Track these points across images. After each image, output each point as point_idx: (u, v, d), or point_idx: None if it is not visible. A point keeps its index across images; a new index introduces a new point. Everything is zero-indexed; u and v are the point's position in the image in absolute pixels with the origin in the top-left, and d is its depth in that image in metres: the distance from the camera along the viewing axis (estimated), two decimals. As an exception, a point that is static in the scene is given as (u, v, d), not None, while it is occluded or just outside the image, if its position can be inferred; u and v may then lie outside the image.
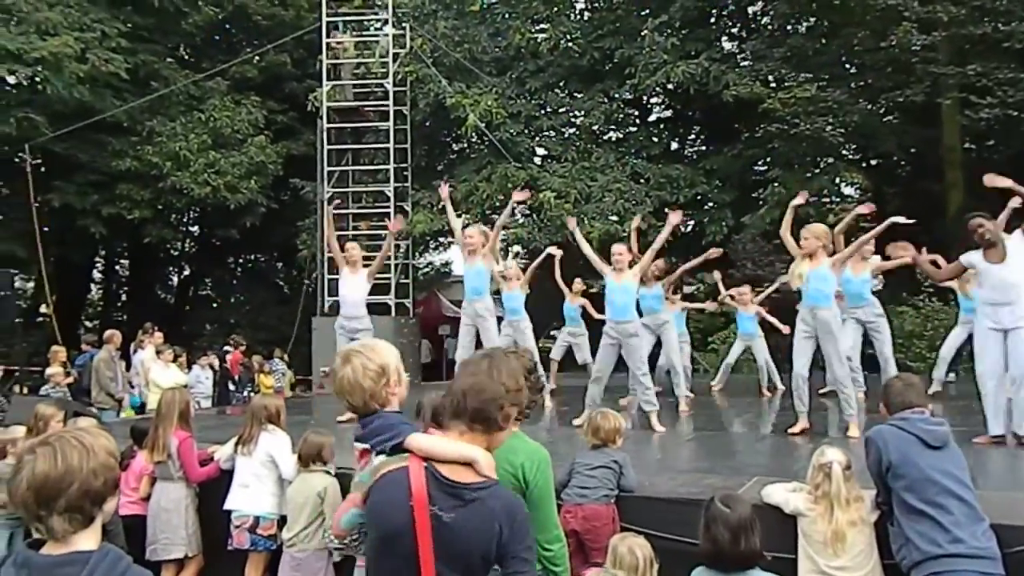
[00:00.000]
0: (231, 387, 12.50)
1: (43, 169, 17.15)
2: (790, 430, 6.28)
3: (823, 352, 6.26)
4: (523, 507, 2.00)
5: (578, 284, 9.92)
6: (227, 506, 4.69)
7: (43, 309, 18.82)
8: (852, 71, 16.02)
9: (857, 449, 3.64)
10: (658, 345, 8.57)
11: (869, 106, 14.77)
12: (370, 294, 8.00)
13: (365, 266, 7.87)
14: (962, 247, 5.71)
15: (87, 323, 22.45)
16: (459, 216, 17.51)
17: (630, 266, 6.91)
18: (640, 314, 7.88)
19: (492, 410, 2.00)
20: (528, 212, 16.27)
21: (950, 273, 6.11)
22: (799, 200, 6.57)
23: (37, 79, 14.22)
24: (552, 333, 10.67)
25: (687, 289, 18.83)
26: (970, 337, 8.20)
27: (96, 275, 23.73)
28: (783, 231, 6.42)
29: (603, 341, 6.93)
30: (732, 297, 9.80)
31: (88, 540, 1.71)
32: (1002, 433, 5.51)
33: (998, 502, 3.50)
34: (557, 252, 9.05)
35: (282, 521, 4.58)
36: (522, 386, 2.07)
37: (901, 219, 6.56)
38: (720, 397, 9.67)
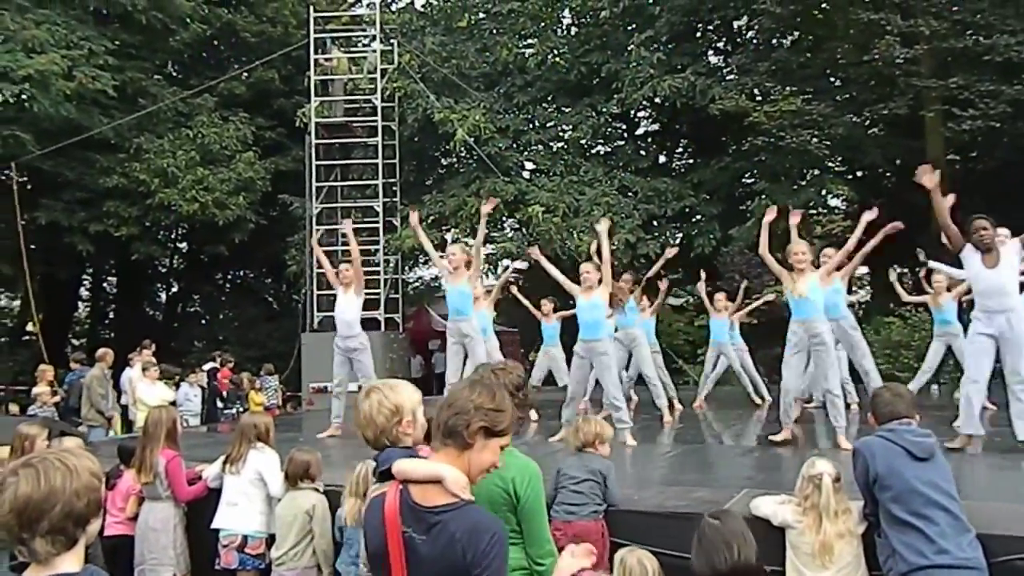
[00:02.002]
0: (220, 404, 12.42)
1: (29, 187, 17.06)
2: (772, 437, 6.37)
3: (815, 364, 6.30)
4: (492, 528, 1.96)
5: (547, 304, 9.87)
6: (215, 525, 4.66)
7: (29, 328, 18.68)
8: (836, 84, 16.19)
9: (847, 460, 3.65)
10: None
11: (854, 119, 14.92)
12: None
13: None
14: (946, 259, 5.76)
15: (74, 341, 22.29)
16: (448, 231, 17.65)
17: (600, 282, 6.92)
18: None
19: (459, 424, 2.01)
20: (517, 226, 16.32)
21: (954, 236, 5.66)
22: (770, 217, 6.61)
23: (24, 97, 14.17)
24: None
25: (677, 301, 18.95)
26: (949, 349, 8.31)
27: (83, 293, 23.57)
28: (762, 250, 6.46)
29: (574, 361, 7.03)
30: (710, 301, 9.84)
31: (71, 562, 1.70)
32: (972, 433, 5.59)
33: (983, 512, 3.52)
34: (521, 264, 8.92)
35: (271, 540, 4.55)
36: (499, 405, 2.07)
37: (892, 228, 6.81)
38: (707, 409, 9.68)
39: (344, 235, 8.82)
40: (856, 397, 8.24)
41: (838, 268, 7.06)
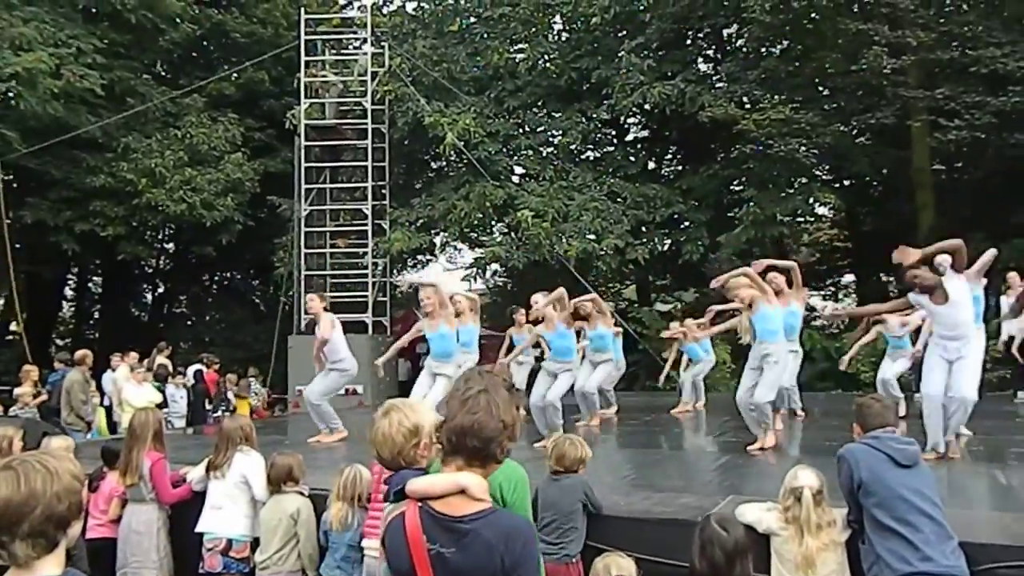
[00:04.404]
0: (208, 406, 12.34)
1: (15, 185, 16.93)
2: (749, 448, 6.47)
3: (762, 374, 6.46)
4: (523, 529, 1.96)
5: (520, 316, 9.79)
6: (199, 528, 4.63)
7: (13, 327, 18.51)
8: (825, 93, 16.29)
9: (829, 471, 3.67)
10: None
11: (841, 128, 15.02)
12: (348, 311, 7.96)
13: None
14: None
15: (58, 341, 22.11)
16: (437, 235, 17.61)
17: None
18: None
19: (492, 448, 1.99)
20: (506, 231, 16.33)
21: (894, 306, 6.48)
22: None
23: (11, 95, 14.06)
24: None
25: (664, 307, 19.00)
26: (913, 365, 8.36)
27: (68, 292, 23.38)
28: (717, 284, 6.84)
29: (540, 375, 7.34)
30: (684, 335, 9.92)
31: (52, 566, 1.68)
32: (944, 452, 5.69)
33: (966, 520, 3.55)
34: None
35: (255, 543, 4.52)
36: (516, 418, 2.05)
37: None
38: (693, 416, 9.72)
39: (344, 236, 8.70)
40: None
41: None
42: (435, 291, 7.35)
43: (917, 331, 8.10)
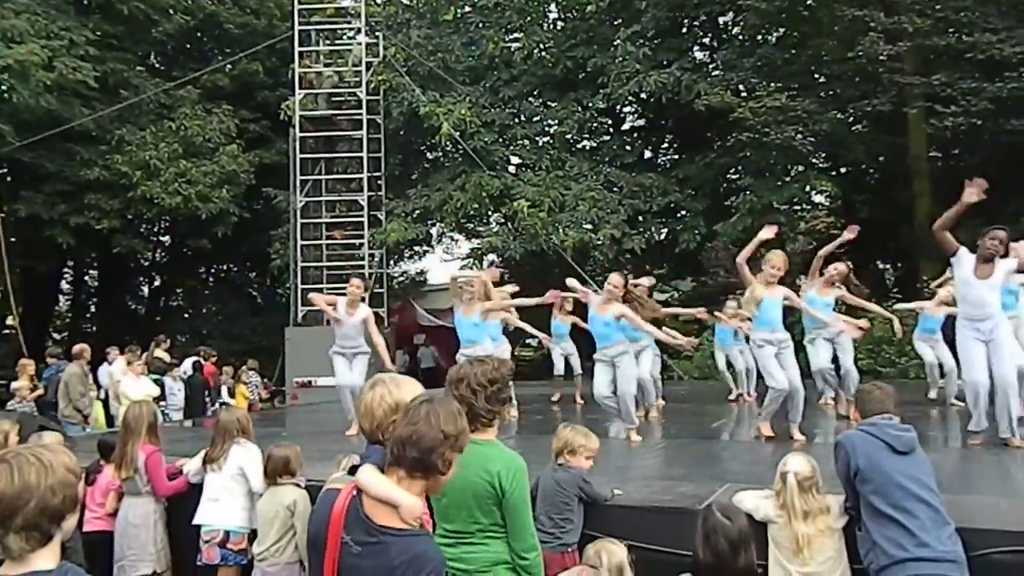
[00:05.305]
0: (207, 399, 12.33)
1: (9, 179, 16.86)
2: (755, 434, 6.48)
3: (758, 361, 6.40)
4: (434, 560, 1.95)
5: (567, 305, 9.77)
6: (196, 520, 4.62)
7: (9, 321, 18.46)
8: (821, 81, 16.27)
9: (824, 456, 3.68)
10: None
11: (838, 115, 15.01)
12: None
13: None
14: (919, 251, 5.84)
15: (55, 335, 22.05)
16: (433, 226, 17.58)
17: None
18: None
19: (433, 459, 2.00)
20: (503, 220, 16.31)
21: (950, 241, 5.65)
22: (767, 234, 6.56)
23: (3, 87, 13.98)
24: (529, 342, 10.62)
25: (661, 296, 18.99)
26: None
27: (64, 286, 23.33)
28: (740, 258, 6.44)
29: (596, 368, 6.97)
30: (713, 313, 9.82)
31: (46, 559, 1.67)
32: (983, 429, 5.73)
33: (963, 506, 3.55)
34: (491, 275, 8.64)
35: (253, 535, 4.52)
36: (461, 427, 2.05)
37: (849, 235, 7.40)
38: (694, 405, 9.74)
39: (341, 227, 8.57)
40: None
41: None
42: (482, 282, 7.40)
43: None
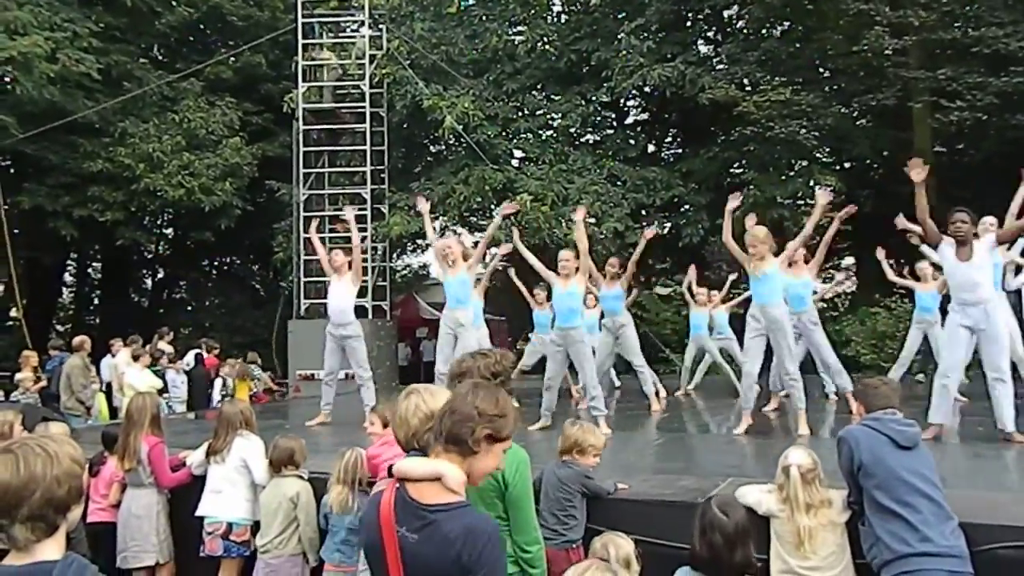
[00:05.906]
0: (210, 391, 12.35)
1: (13, 171, 16.87)
2: (734, 431, 6.47)
3: (773, 348, 6.40)
4: (489, 530, 1.96)
5: (540, 293, 9.80)
6: (199, 512, 4.64)
7: (13, 313, 18.50)
8: (825, 75, 16.18)
9: (823, 449, 3.67)
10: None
11: (842, 109, 14.95)
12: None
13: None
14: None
15: (58, 327, 22.11)
16: (436, 219, 17.56)
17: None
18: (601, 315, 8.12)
19: (463, 432, 2.00)
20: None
21: (931, 231, 5.73)
22: (733, 204, 6.65)
23: (6, 79, 13.98)
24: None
25: (664, 291, 18.98)
26: (925, 337, 8.39)
27: (67, 278, 23.38)
28: (725, 237, 6.55)
29: (550, 349, 7.10)
30: (691, 293, 9.87)
31: (52, 549, 1.68)
32: (942, 423, 5.68)
33: (966, 501, 3.55)
34: (506, 248, 8.74)
35: (256, 527, 4.54)
36: (502, 410, 2.05)
37: (845, 213, 7.54)
38: (692, 398, 9.73)
39: (344, 221, 8.77)
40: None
41: (806, 261, 7.62)
42: (458, 242, 7.73)
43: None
